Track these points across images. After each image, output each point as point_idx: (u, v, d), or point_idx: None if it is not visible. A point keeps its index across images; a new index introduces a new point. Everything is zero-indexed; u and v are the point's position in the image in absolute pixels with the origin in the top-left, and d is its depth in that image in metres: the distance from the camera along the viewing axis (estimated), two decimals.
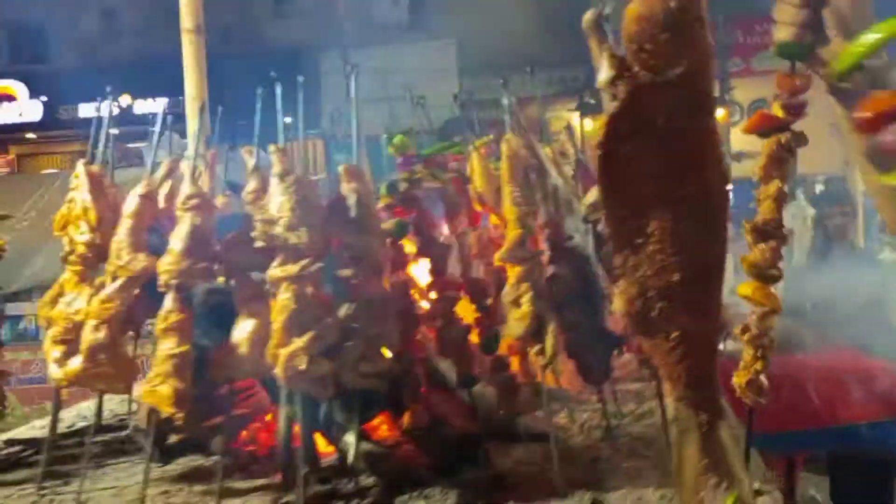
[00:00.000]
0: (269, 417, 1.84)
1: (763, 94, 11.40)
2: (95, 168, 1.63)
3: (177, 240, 1.44)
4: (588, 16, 1.26)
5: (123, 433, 1.91)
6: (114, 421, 2.13)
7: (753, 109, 11.62)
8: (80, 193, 1.59)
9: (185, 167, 1.54)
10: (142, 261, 1.48)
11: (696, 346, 1.03)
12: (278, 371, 1.35)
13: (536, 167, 1.52)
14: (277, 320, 1.37)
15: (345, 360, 1.40)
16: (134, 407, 1.95)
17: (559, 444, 1.47)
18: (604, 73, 0.97)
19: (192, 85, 2.91)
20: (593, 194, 1.43)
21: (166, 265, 1.43)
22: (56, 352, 1.53)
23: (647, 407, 1.88)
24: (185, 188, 1.48)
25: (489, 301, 1.58)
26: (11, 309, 5.12)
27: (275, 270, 1.39)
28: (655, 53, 0.93)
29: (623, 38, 0.95)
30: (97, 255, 1.57)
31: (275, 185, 1.41)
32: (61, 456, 1.71)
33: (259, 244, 1.41)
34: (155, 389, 1.38)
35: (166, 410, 1.37)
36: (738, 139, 10.83)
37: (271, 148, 1.45)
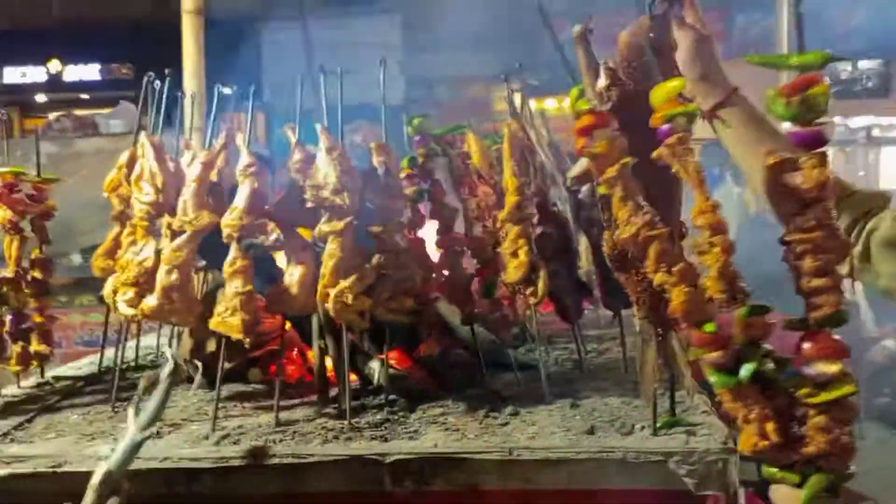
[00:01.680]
0: (295, 352, 2.18)
1: None
2: (156, 138, 1.91)
3: (240, 199, 1.75)
4: (576, 29, 1.66)
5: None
6: (147, 362, 2.43)
7: None
8: (146, 160, 1.87)
9: (240, 140, 1.83)
10: (206, 217, 1.79)
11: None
12: (329, 306, 1.70)
13: (528, 147, 1.91)
14: (327, 265, 1.71)
15: (378, 299, 1.76)
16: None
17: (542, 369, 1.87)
18: (600, 81, 1.36)
19: (192, 63, 3.14)
20: (576, 169, 1.82)
21: (230, 221, 1.75)
22: (129, 293, 1.83)
23: (605, 346, 2.32)
24: (244, 158, 1.78)
25: (487, 255, 1.95)
26: None
27: (324, 226, 1.73)
28: (639, 69, 1.32)
29: (617, 56, 1.34)
30: (159, 213, 1.86)
31: (322, 157, 1.74)
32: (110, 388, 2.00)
33: (309, 205, 1.75)
34: (225, 320, 1.71)
35: (236, 336, 1.70)
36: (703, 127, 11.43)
37: (319, 127, 1.78)
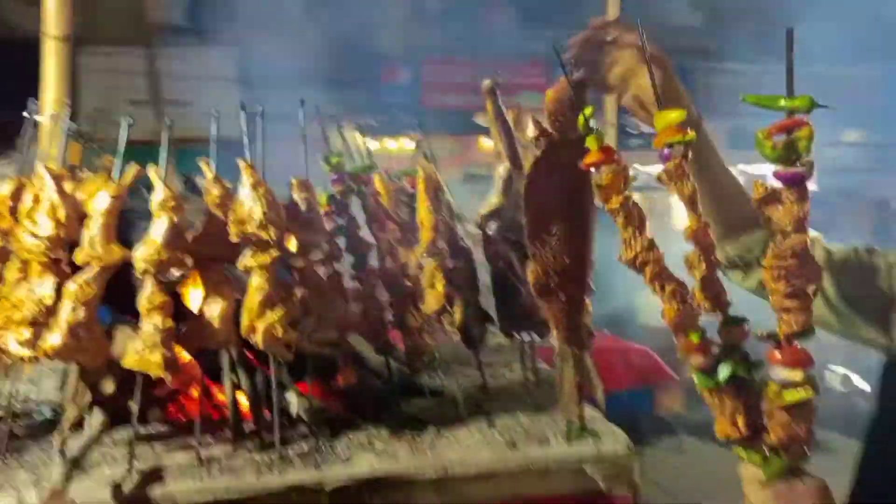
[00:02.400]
0: (194, 390, 2.11)
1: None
2: (57, 170, 1.81)
3: (157, 234, 1.71)
4: (486, 83, 1.85)
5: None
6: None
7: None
8: (45, 192, 1.77)
9: (154, 175, 1.79)
10: (117, 252, 1.72)
11: (575, 305, 1.63)
12: (258, 338, 1.70)
13: (438, 186, 2.06)
14: (254, 299, 1.72)
15: (303, 331, 1.79)
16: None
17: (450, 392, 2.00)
18: (529, 132, 1.54)
19: (55, 93, 2.92)
20: (487, 207, 1.99)
21: (148, 255, 1.70)
22: (24, 332, 1.70)
23: (498, 371, 2.49)
24: (161, 192, 1.75)
25: (400, 287, 2.06)
26: None
27: (248, 259, 1.75)
28: (563, 122, 1.52)
29: (545, 110, 1.53)
30: (60, 248, 1.76)
31: (247, 192, 1.76)
32: None
33: (234, 239, 1.75)
34: (144, 358, 1.65)
35: (157, 374, 1.64)
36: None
37: (242, 164, 1.80)
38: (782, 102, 1.04)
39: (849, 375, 6.17)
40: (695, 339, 0.98)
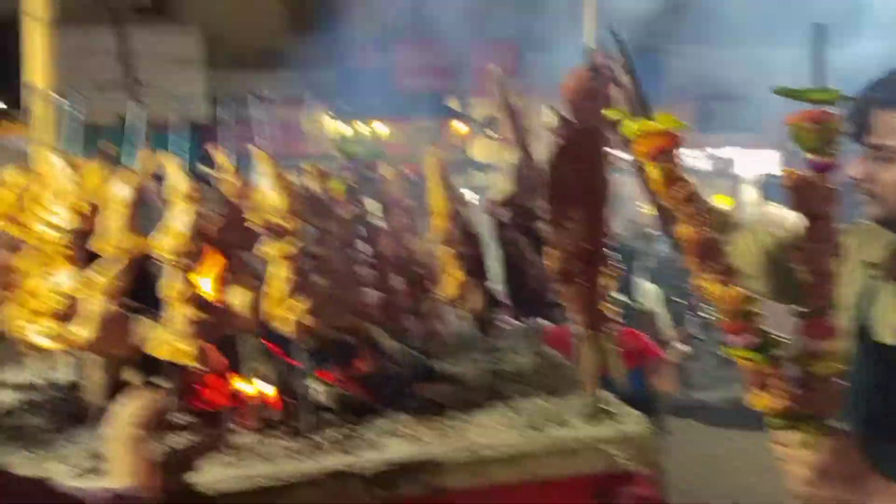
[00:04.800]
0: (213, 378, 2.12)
1: (496, 111, 13.09)
2: (78, 161, 1.80)
3: (181, 224, 1.72)
4: (493, 70, 1.89)
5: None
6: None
7: (489, 123, 13.24)
8: (62, 183, 1.76)
9: (171, 164, 1.79)
10: (141, 243, 1.73)
11: (593, 288, 1.69)
12: (282, 324, 1.73)
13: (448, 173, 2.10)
14: (278, 287, 1.75)
15: (323, 318, 1.82)
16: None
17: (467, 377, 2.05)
18: (551, 121, 1.58)
19: (38, 74, 2.87)
20: (497, 194, 2.04)
21: (170, 245, 1.71)
22: (48, 324, 1.70)
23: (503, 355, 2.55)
24: (181, 182, 1.75)
25: (414, 273, 2.10)
26: None
27: (271, 248, 1.76)
28: (581, 111, 1.57)
29: (563, 99, 1.57)
30: (83, 240, 1.76)
31: (269, 183, 1.78)
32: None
33: (255, 227, 1.77)
34: (175, 347, 1.66)
35: (189, 363, 1.66)
36: (478, 151, 12.31)
37: (258, 152, 1.81)
38: (813, 95, 1.10)
39: None
40: (742, 318, 1.04)
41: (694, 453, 4.35)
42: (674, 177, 1.15)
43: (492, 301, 2.23)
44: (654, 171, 1.15)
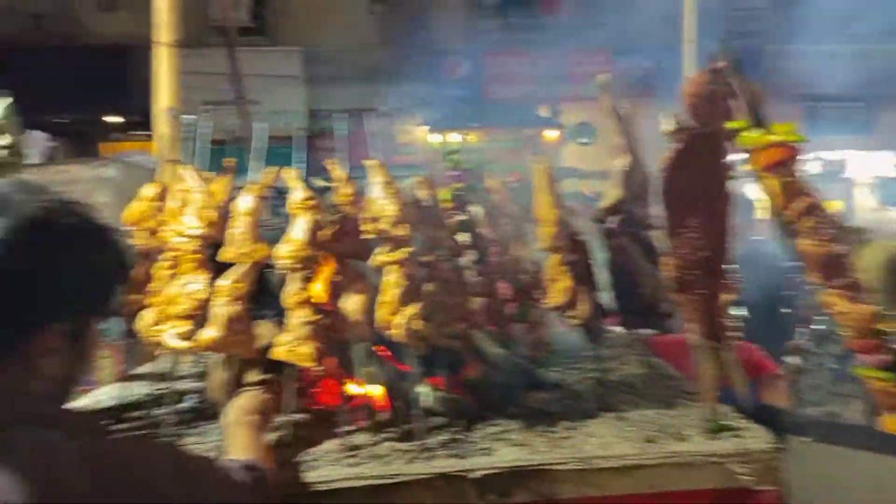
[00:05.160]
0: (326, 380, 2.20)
1: (587, 118, 12.91)
2: (206, 173, 1.92)
3: (298, 231, 1.80)
4: (601, 77, 1.86)
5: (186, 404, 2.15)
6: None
7: (580, 131, 13.08)
8: (192, 192, 1.87)
9: (290, 176, 1.87)
10: (263, 250, 1.82)
11: (713, 299, 1.63)
12: (395, 332, 1.77)
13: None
14: (390, 293, 1.79)
15: (435, 324, 1.85)
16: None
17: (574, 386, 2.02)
18: (669, 126, 1.55)
19: (166, 95, 3.08)
20: (607, 201, 2.01)
21: (289, 253, 1.78)
22: (183, 326, 1.81)
23: (607, 365, 2.51)
24: (300, 191, 1.83)
25: (520, 281, 2.10)
26: None
27: (382, 256, 1.81)
28: (702, 115, 1.53)
29: (683, 104, 1.54)
30: (212, 248, 1.87)
31: (380, 191, 1.83)
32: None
33: (368, 236, 1.82)
34: (294, 350, 1.73)
35: (307, 364, 1.73)
36: (569, 158, 12.17)
37: (371, 163, 1.86)
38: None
39: None
40: (872, 335, 0.98)
41: (806, 472, 4.12)
42: (793, 189, 1.11)
43: (599, 309, 2.20)
44: (772, 184, 1.11)
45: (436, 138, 11.98)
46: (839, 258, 1.03)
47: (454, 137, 12.05)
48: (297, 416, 1.97)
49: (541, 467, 1.61)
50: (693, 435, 1.71)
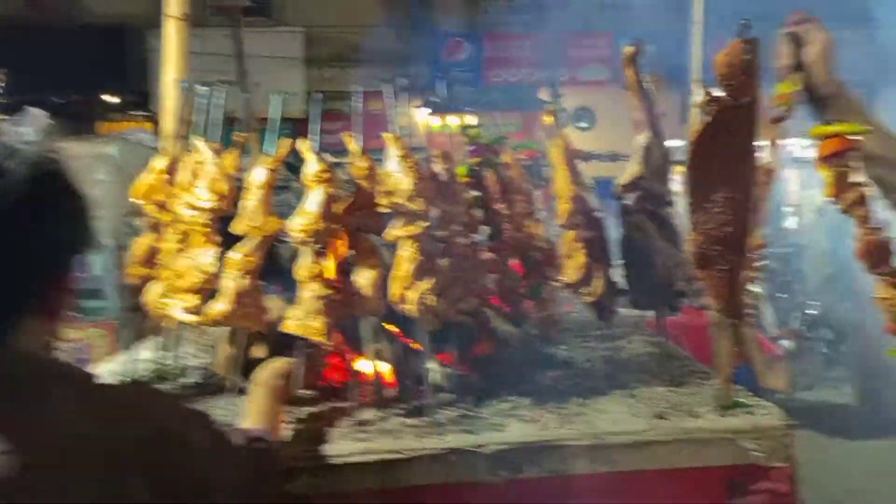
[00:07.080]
0: (336, 359, 2.18)
1: (587, 102, 12.80)
2: (216, 146, 1.88)
3: (312, 205, 1.77)
4: (627, 49, 1.82)
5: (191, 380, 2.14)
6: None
7: (579, 116, 12.98)
8: (204, 165, 1.84)
9: (305, 148, 1.84)
10: (275, 223, 1.79)
11: (735, 275, 1.61)
12: (408, 307, 1.75)
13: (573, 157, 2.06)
14: (404, 268, 1.76)
15: (449, 300, 1.83)
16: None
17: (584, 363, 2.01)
18: (699, 97, 1.52)
19: (174, 69, 3.03)
20: (625, 178, 1.98)
21: (302, 226, 1.75)
22: (191, 299, 1.79)
23: (615, 343, 2.49)
24: (314, 164, 1.80)
25: (533, 258, 2.07)
26: None
27: (397, 230, 1.79)
28: (734, 87, 1.49)
29: (715, 75, 1.50)
30: (222, 221, 1.84)
31: (396, 165, 1.79)
32: None
33: (382, 210, 1.79)
34: (305, 324, 1.71)
35: (317, 339, 1.71)
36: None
37: (389, 136, 1.83)
38: None
39: None
40: None
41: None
42: (846, 181, 1.10)
43: (612, 287, 2.18)
44: (826, 174, 1.11)
45: (435, 121, 11.91)
46: (885, 246, 1.04)
47: (452, 121, 11.99)
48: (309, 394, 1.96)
49: (552, 443, 1.60)
50: (705, 412, 1.70)
